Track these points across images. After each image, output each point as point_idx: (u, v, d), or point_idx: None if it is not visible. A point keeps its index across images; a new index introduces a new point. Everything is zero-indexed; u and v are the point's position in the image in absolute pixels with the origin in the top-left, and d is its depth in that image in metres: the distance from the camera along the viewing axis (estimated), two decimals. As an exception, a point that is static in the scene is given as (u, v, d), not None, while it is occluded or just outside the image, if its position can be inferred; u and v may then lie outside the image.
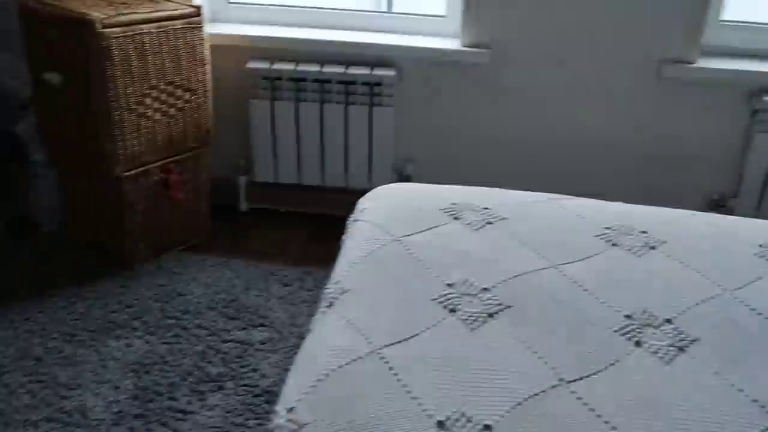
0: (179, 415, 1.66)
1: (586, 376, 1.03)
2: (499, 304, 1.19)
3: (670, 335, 1.13)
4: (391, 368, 1.02)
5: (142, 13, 2.01)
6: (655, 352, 1.09)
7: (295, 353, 1.89)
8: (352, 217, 1.59)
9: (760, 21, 2.31)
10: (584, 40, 2.27)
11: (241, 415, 1.67)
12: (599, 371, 1.05)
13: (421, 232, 1.41)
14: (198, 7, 2.15)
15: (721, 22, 2.27)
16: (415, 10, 2.47)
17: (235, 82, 2.44)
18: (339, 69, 2.36)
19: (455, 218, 1.48)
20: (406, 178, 2.52)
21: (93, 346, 1.87)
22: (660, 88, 2.29)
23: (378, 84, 2.36)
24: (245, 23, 2.47)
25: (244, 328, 1.98)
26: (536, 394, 0.99)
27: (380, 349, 1.06)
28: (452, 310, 1.17)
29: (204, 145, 2.31)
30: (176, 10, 2.09)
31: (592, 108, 2.36)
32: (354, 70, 2.35)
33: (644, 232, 1.43)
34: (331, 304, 1.21)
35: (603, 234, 1.42)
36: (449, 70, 2.38)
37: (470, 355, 1.06)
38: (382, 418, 0.92)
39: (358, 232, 1.46)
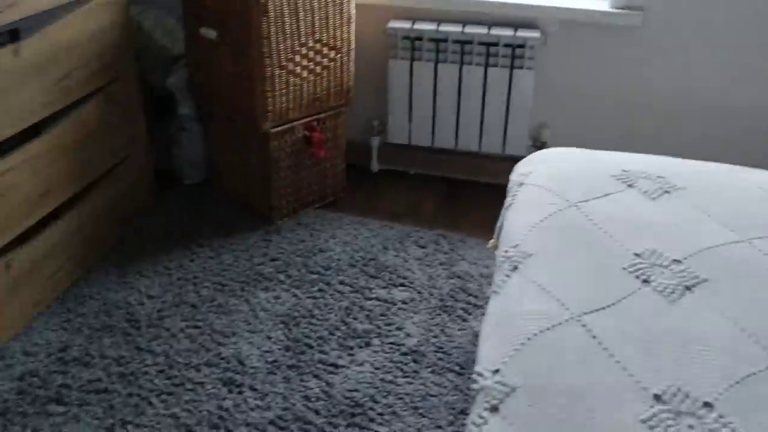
0: (330, 369, 1.70)
1: (805, 358, 0.97)
2: (695, 277, 1.13)
3: None
4: (594, 336, 0.99)
5: (296, -31, 2.02)
6: None
7: (438, 314, 1.92)
8: (515, 179, 1.56)
9: None
10: (739, 3, 2.12)
11: (389, 372, 1.69)
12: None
13: (597, 198, 1.37)
14: (347, -35, 2.14)
15: None
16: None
17: (375, 41, 2.43)
18: (481, 30, 2.30)
19: (629, 186, 1.42)
20: (541, 145, 2.45)
21: (243, 296, 1.93)
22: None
23: (521, 46, 2.29)
24: (387, -19, 2.45)
25: (385, 287, 1.99)
26: (754, 374, 0.94)
27: (579, 316, 1.03)
28: (645, 281, 1.13)
29: (344, 104, 2.32)
30: (327, -33, 2.09)
31: (743, 76, 2.22)
32: (497, 31, 2.29)
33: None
34: (515, 268, 1.19)
35: (797, 209, 1.33)
36: (596, 33, 2.28)
37: (675, 329, 1.02)
38: (596, 388, 0.90)
39: (528, 196, 1.42)
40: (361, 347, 1.77)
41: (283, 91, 2.10)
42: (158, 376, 1.65)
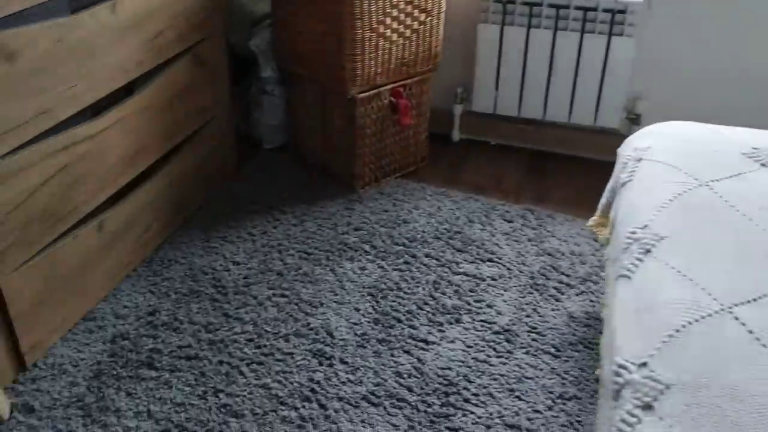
0: (421, 345, 1.64)
1: None
2: None
3: None
4: (750, 332, 0.90)
5: (391, -74, 1.92)
6: None
7: (530, 293, 1.84)
8: (631, 154, 1.45)
9: None
10: None
11: (482, 351, 1.63)
12: None
13: (729, 177, 1.26)
14: None
15: None
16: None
17: (464, 4, 2.32)
18: (579, -7, 2.18)
19: (762, 165, 1.31)
20: (635, 117, 2.32)
21: (328, 266, 1.89)
22: None
23: (621, 11, 2.16)
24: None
25: (472, 262, 1.92)
26: None
27: (730, 308, 0.94)
28: (796, 271, 1.03)
29: (431, 69, 2.23)
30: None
31: None
32: (596, -5, 2.16)
33: None
34: (648, 251, 1.10)
35: None
36: (706, -2, 2.13)
37: (841, 327, 0.92)
38: (764, 388, 0.82)
39: (650, 172, 1.32)
40: (451, 324, 1.71)
41: (372, 54, 2.03)
42: (247, 345, 1.62)
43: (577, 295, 1.81)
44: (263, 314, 1.72)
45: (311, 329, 1.68)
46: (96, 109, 1.60)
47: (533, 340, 1.67)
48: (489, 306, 1.77)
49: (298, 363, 1.58)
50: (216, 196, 2.17)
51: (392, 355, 1.61)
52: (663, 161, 1.34)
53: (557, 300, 1.79)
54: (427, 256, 1.94)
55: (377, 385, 1.53)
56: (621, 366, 0.90)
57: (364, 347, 1.63)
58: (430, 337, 1.67)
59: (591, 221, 1.71)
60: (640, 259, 1.09)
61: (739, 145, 1.37)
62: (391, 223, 2.07)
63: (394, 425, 1.44)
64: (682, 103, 2.28)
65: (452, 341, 1.66)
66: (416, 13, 2.07)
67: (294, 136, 2.38)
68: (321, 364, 1.58)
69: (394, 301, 1.77)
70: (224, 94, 2.14)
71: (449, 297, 1.79)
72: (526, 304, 1.78)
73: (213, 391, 1.50)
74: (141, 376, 1.53)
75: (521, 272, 1.89)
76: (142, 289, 1.78)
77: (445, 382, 1.54)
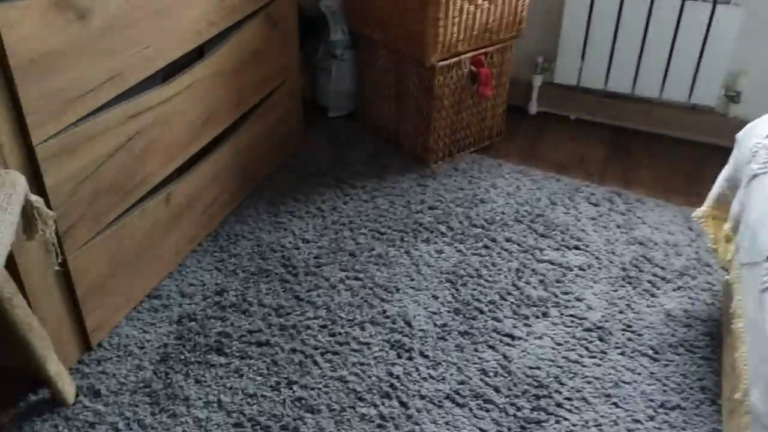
0: (506, 339, 1.52)
1: None
2: None
3: None
4: None
5: None
6: None
7: (622, 286, 1.70)
8: (761, 143, 1.29)
9: None
10: None
11: (573, 349, 1.50)
12: None
13: None
14: None
15: None
16: None
17: (553, -35, 2.14)
18: (684, -45, 1.97)
19: None
20: (735, 95, 2.13)
21: (403, 247, 1.76)
22: None
23: (731, -23, 1.95)
24: None
25: (557, 249, 1.78)
26: None
27: None
28: None
29: (514, 36, 2.06)
30: None
31: None
32: (703, -42, 1.96)
33: None
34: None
35: None
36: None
37: None
38: None
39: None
40: (537, 317, 1.58)
41: (456, 19, 1.86)
42: (321, 332, 1.52)
43: (674, 290, 1.66)
44: (336, 298, 1.61)
45: (388, 317, 1.56)
46: (166, 73, 1.49)
47: (629, 339, 1.53)
48: (578, 299, 1.63)
49: (376, 354, 1.47)
50: (283, 167, 2.05)
51: (476, 350, 1.49)
52: (809, 154, 1.17)
53: (652, 295, 1.65)
54: (507, 240, 1.80)
55: (461, 383, 1.42)
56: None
57: (445, 340, 1.51)
58: (515, 332, 1.54)
59: (700, 212, 1.55)
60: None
61: None
62: (467, 203, 1.93)
63: (481, 429, 1.33)
64: (789, 81, 2.08)
65: (540, 337, 1.53)
66: (505, -26, 1.90)
67: (363, 104, 2.24)
68: (400, 356, 1.47)
69: (474, 290, 1.65)
70: (295, 58, 2.00)
71: (534, 287, 1.66)
72: (619, 298, 1.64)
73: (286, 383, 1.40)
74: (210, 362, 1.44)
75: (611, 262, 1.74)
76: (208, 266, 1.68)
77: (535, 384, 1.42)
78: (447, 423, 1.34)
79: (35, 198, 1.07)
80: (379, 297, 1.62)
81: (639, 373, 1.45)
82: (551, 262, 1.74)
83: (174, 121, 1.51)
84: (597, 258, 1.76)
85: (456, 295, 1.63)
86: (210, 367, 1.42)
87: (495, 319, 1.57)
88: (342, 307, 1.59)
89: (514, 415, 1.36)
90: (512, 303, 1.62)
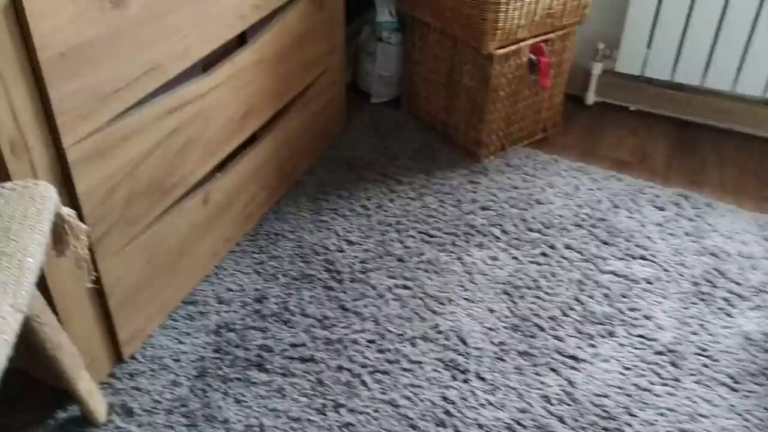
0: (570, 362, 1.39)
1: None
2: None
3: None
4: None
5: None
6: None
7: (693, 303, 1.55)
8: None
9: None
10: None
11: (643, 375, 1.37)
12: None
13: None
14: None
15: None
16: None
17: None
18: (771, -64, 1.78)
19: None
20: (815, 90, 1.95)
21: (454, 253, 1.64)
22: None
23: (822, -39, 1.76)
24: None
25: (621, 258, 1.64)
26: None
27: None
28: None
29: (578, 22, 1.90)
30: None
31: None
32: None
33: None
34: None
35: None
36: None
37: None
38: None
39: None
40: (603, 336, 1.45)
41: (518, 3, 1.71)
42: (369, 348, 1.40)
43: (751, 309, 1.52)
44: (384, 309, 1.49)
45: (440, 332, 1.44)
46: (205, 63, 1.36)
47: (704, 365, 1.40)
48: (646, 317, 1.50)
49: (428, 375, 1.36)
50: (323, 158, 1.93)
51: (537, 374, 1.37)
52: None
53: (728, 315, 1.51)
54: (567, 247, 1.67)
55: (522, 411, 1.30)
56: None
57: (503, 360, 1.39)
58: (579, 353, 1.41)
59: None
60: None
61: None
62: (522, 204, 1.79)
63: (546, 466, 1.22)
64: None
65: (606, 360, 1.40)
66: (574, -46, 1.73)
67: (409, 91, 2.10)
68: (455, 378, 1.35)
69: (533, 303, 1.52)
70: (341, 42, 1.86)
71: (598, 302, 1.53)
72: (690, 317, 1.50)
73: (333, 405, 1.29)
74: (250, 379, 1.33)
75: (681, 276, 1.60)
76: (246, 269, 1.57)
77: (603, 414, 1.30)
78: (508, 457, 1.23)
79: (66, 211, 0.96)
80: (430, 309, 1.50)
81: (717, 405, 1.32)
82: (615, 274, 1.60)
83: (213, 115, 1.39)
84: (665, 270, 1.62)
85: (513, 308, 1.51)
86: (251, 385, 1.32)
87: (557, 337, 1.45)
88: (391, 319, 1.47)
89: (582, 451, 1.24)
90: (575, 319, 1.49)
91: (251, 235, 1.66)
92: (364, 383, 1.33)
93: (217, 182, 1.47)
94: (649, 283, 1.58)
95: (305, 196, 1.79)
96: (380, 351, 1.40)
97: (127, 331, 1.31)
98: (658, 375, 1.38)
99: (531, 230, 1.71)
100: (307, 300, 1.50)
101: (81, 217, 1.10)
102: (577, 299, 1.54)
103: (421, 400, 1.31)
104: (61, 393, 1.24)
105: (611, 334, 1.46)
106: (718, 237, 1.71)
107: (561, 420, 1.29)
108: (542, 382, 1.35)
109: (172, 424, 1.25)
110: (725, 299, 1.55)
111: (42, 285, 1.09)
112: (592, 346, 1.43)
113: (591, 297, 1.54)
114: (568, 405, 1.31)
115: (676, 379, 1.37)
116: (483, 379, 1.35)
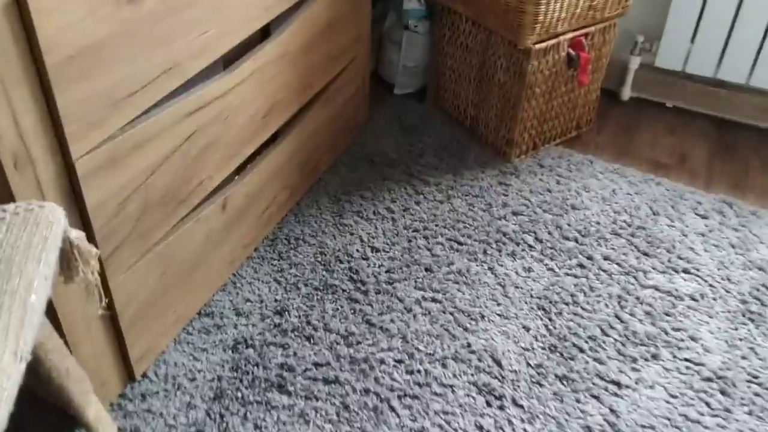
0: (612, 388, 1.30)
1: None
2: None
3: None
4: None
5: None
6: None
7: (742, 323, 1.46)
8: None
9: None
10: None
11: (691, 405, 1.28)
12: None
13: None
14: None
15: None
16: None
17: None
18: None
19: None
20: None
21: (486, 262, 1.54)
22: None
23: None
24: None
25: (663, 272, 1.54)
26: None
27: None
28: None
29: (619, 14, 1.77)
30: None
31: None
32: None
33: None
34: None
35: None
36: None
37: None
38: None
39: None
40: (646, 360, 1.35)
41: (560, -6, 1.58)
42: (397, 368, 1.31)
43: (804, 332, 1.42)
44: (412, 325, 1.39)
45: (473, 352, 1.35)
46: (226, 60, 1.24)
47: (756, 394, 1.30)
48: (693, 338, 1.40)
49: (461, 401, 1.26)
50: (345, 154, 1.82)
51: (578, 401, 1.28)
52: None
53: (779, 338, 1.41)
54: (605, 258, 1.57)
55: (563, 443, 1.21)
56: None
57: (541, 385, 1.30)
58: (622, 378, 1.32)
59: None
60: None
61: None
62: (557, 209, 1.69)
63: (589, 507, 1.13)
64: None
65: (651, 386, 1.31)
66: (621, -58, 1.60)
67: (436, 83, 1.98)
68: (489, 404, 1.26)
69: (571, 321, 1.42)
70: (366, 30, 1.74)
71: (640, 320, 1.43)
72: (740, 339, 1.40)
73: (359, 434, 1.20)
74: (271, 402, 1.24)
75: (728, 292, 1.50)
76: (266, 277, 1.47)
77: (650, 448, 1.21)
78: (548, 495, 1.14)
79: (75, 234, 0.85)
80: (461, 325, 1.40)
81: (771, 440, 1.23)
82: (657, 289, 1.50)
83: (235, 114, 1.28)
84: (711, 286, 1.52)
85: (550, 326, 1.41)
86: (271, 409, 1.23)
87: (597, 360, 1.35)
88: (420, 336, 1.37)
89: (628, 490, 1.15)
90: (616, 339, 1.39)
91: (270, 239, 1.56)
92: (392, 409, 1.24)
93: (237, 185, 1.37)
94: (694, 300, 1.48)
95: (327, 196, 1.69)
96: (409, 372, 1.30)
97: (139, 349, 1.22)
98: (708, 405, 1.28)
99: (567, 238, 1.61)
100: (330, 313, 1.40)
101: (90, 234, 1.00)
102: (617, 317, 1.44)
103: (454, 429, 1.22)
104: (69, 416, 1.15)
105: (655, 357, 1.36)
106: (766, 250, 1.61)
107: (604, 454, 1.20)
108: (583, 410, 1.26)
109: (187, 452, 1.16)
110: (776, 320, 1.45)
111: (48, 307, 0.99)
112: (636, 370, 1.34)
113: (632, 315, 1.44)
114: (612, 437, 1.22)
115: (727, 410, 1.28)
116: (520, 406, 1.26)
